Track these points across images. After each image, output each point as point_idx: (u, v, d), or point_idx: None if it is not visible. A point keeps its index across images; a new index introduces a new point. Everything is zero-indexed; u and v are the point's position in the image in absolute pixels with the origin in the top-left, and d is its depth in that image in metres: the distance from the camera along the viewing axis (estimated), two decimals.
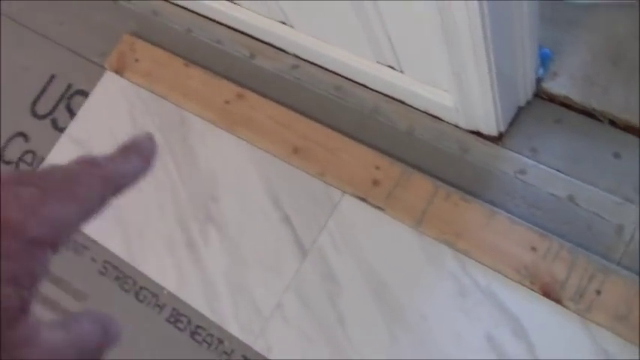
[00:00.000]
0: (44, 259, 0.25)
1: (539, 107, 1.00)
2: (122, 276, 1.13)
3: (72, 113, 1.28)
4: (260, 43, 1.21)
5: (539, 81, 1.00)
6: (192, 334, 1.06)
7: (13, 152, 1.30)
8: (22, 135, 1.31)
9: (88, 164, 0.28)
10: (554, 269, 0.89)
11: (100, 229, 1.16)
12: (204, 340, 1.04)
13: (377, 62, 1.02)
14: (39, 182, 0.26)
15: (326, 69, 1.14)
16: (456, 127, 1.04)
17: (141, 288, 1.12)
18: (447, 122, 1.04)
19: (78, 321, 0.27)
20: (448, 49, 0.80)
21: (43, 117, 1.31)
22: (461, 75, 0.85)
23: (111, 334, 0.28)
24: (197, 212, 1.11)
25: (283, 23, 1.10)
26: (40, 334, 0.24)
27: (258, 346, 0.99)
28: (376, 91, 1.10)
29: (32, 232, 0.25)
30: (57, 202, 0.26)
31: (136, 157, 0.30)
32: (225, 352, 1.01)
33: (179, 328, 1.07)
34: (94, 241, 1.16)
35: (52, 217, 0.25)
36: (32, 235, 0.25)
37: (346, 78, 1.13)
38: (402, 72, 1.01)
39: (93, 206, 0.27)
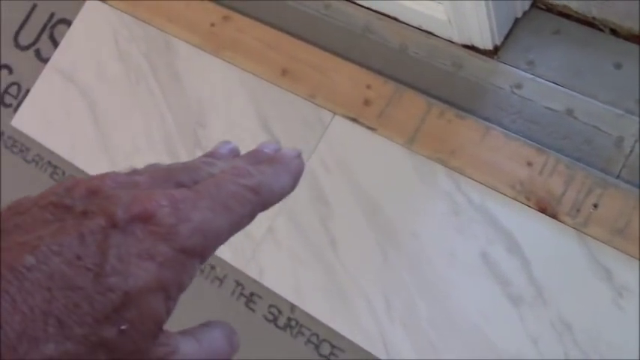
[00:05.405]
0: (192, 270, 0.24)
1: (537, 18, 0.95)
2: None
3: (55, 43, 1.24)
4: None
5: None
6: None
7: None
8: (7, 67, 1.27)
9: (239, 174, 0.26)
10: (550, 184, 0.86)
11: (88, 157, 1.14)
12: None
13: None
14: (192, 185, 0.25)
15: None
16: (450, 42, 0.99)
17: None
18: (441, 37, 1.00)
19: (209, 332, 0.26)
20: None
21: (27, 48, 1.27)
22: None
23: (234, 345, 0.26)
24: (185, 139, 1.09)
25: None
26: (179, 346, 0.23)
27: (251, 271, 0.97)
28: (367, 9, 1.05)
29: (185, 240, 0.23)
30: (210, 211, 0.24)
31: (284, 175, 0.28)
32: (218, 278, 1.00)
33: None
34: (82, 171, 1.13)
35: (205, 226, 0.24)
36: (184, 243, 0.23)
37: None
38: None
39: (242, 220, 0.25)
